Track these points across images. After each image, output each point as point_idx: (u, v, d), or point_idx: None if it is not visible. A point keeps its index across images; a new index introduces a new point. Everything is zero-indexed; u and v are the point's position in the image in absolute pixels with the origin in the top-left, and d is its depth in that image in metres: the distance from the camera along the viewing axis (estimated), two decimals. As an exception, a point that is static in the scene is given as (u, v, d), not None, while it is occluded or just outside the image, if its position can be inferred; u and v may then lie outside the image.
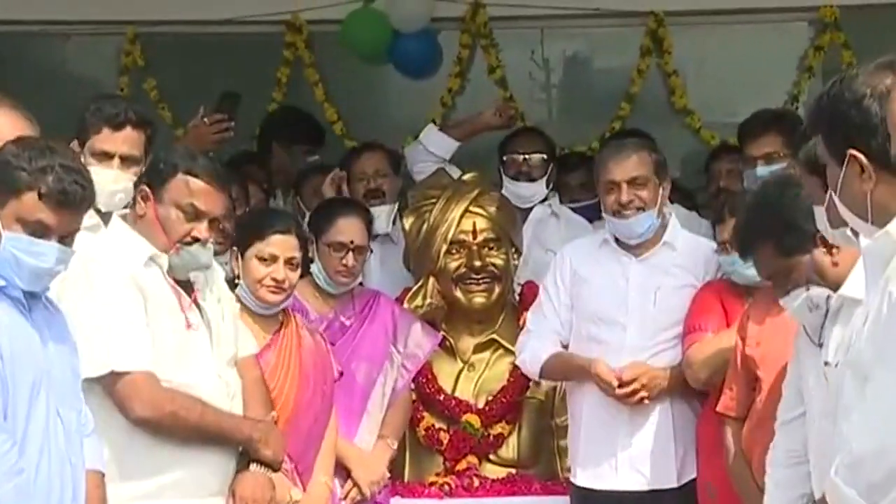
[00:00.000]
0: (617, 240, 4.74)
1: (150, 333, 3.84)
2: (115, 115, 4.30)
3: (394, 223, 5.63)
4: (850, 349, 2.68)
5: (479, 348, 5.17)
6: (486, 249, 5.10)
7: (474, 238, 5.10)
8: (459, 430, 5.04)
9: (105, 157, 4.29)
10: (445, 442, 5.05)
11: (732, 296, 4.54)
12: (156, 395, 3.82)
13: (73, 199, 3.22)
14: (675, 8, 7.01)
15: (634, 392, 4.54)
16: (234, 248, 4.53)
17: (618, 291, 4.70)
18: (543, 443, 5.11)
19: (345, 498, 4.72)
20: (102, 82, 7.41)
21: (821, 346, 3.52)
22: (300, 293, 4.72)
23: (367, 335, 4.90)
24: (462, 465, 5.03)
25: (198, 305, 4.00)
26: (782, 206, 3.52)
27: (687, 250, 4.75)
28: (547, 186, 5.79)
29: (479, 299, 5.10)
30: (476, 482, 4.97)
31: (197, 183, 3.96)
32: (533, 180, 5.76)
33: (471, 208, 5.14)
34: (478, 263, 5.07)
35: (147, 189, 4.00)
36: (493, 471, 5.05)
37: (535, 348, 4.81)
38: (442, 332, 5.12)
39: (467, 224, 5.11)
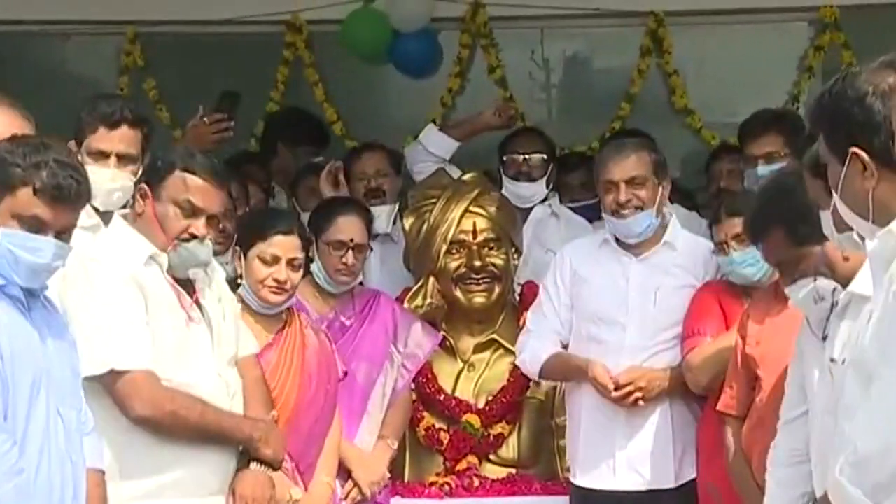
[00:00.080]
0: (617, 240, 4.74)
1: (150, 332, 3.84)
2: (111, 114, 4.29)
3: (394, 223, 5.63)
4: (854, 347, 2.68)
5: (479, 348, 5.17)
6: (486, 249, 5.10)
7: (474, 238, 5.09)
8: (459, 430, 5.04)
9: (102, 156, 4.28)
10: (445, 442, 5.04)
11: (731, 296, 4.54)
12: (156, 394, 3.81)
13: (68, 193, 3.23)
14: (675, 8, 7.02)
15: (630, 394, 4.54)
16: (237, 248, 4.53)
17: (618, 291, 4.70)
18: (543, 443, 5.11)
19: (345, 498, 4.71)
20: (102, 82, 7.42)
21: (824, 339, 3.50)
22: (300, 293, 4.71)
23: (367, 335, 4.90)
24: (462, 465, 5.03)
25: (199, 305, 4.00)
26: (799, 194, 3.44)
27: (687, 250, 4.74)
28: (547, 186, 5.79)
29: (479, 299, 5.10)
30: (476, 482, 4.97)
31: (194, 180, 3.96)
32: (533, 180, 5.75)
33: (471, 208, 5.13)
34: (478, 263, 5.06)
35: (146, 187, 4.00)
36: (493, 471, 5.05)
37: (534, 348, 4.81)
38: (442, 332, 5.12)
39: (467, 224, 5.11)
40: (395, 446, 4.89)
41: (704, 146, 6.96)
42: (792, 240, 3.56)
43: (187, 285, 4.00)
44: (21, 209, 3.20)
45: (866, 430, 2.47)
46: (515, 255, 5.21)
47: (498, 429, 5.06)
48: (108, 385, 3.78)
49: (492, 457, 5.08)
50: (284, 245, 4.44)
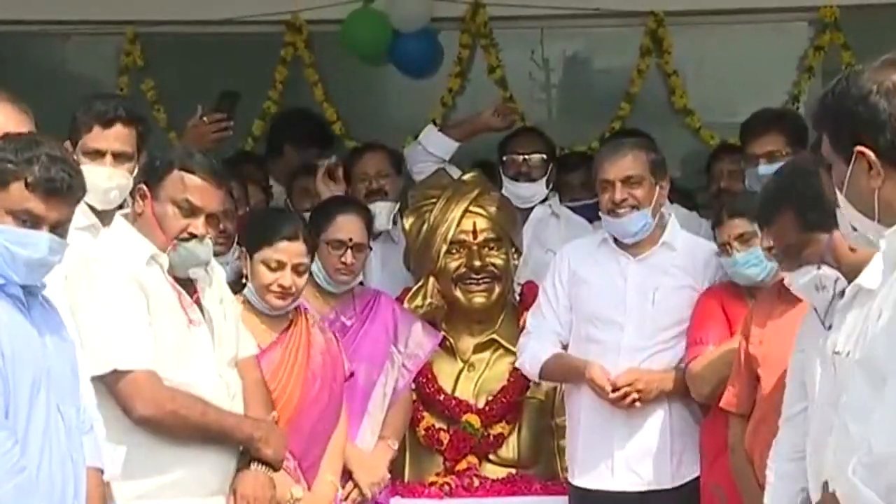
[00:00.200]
0: (616, 240, 4.74)
1: (151, 332, 3.84)
2: (105, 113, 4.27)
3: (394, 223, 5.62)
4: (861, 345, 2.67)
5: (479, 348, 5.17)
6: (486, 249, 5.09)
7: (474, 238, 5.09)
8: (459, 430, 5.04)
9: (97, 155, 4.26)
10: (445, 442, 5.04)
11: (734, 299, 4.53)
12: (157, 393, 3.82)
13: (61, 186, 3.22)
14: (674, 8, 7.02)
15: (627, 395, 4.54)
16: (243, 249, 4.53)
17: (616, 291, 4.70)
18: (543, 443, 5.11)
19: (345, 499, 4.70)
20: (102, 82, 7.41)
21: (829, 328, 3.47)
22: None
23: (367, 335, 4.90)
24: (462, 465, 5.03)
25: (199, 305, 4.00)
26: (814, 180, 3.35)
27: (686, 251, 4.74)
28: (547, 186, 5.78)
29: (479, 299, 5.10)
30: (476, 482, 4.97)
31: (192, 179, 3.96)
32: (533, 180, 5.75)
33: (471, 208, 5.13)
34: (478, 263, 5.06)
35: (144, 187, 4.00)
36: (493, 471, 5.05)
37: (534, 350, 4.80)
38: (442, 332, 5.11)
39: (467, 224, 5.11)
40: (396, 447, 4.89)
41: (704, 146, 6.95)
42: (801, 224, 3.51)
43: (188, 285, 4.00)
44: (14, 204, 3.20)
45: (882, 431, 2.46)
46: (515, 255, 5.20)
47: (498, 429, 5.06)
48: (110, 385, 3.78)
49: (492, 457, 5.07)
50: (290, 251, 4.44)
